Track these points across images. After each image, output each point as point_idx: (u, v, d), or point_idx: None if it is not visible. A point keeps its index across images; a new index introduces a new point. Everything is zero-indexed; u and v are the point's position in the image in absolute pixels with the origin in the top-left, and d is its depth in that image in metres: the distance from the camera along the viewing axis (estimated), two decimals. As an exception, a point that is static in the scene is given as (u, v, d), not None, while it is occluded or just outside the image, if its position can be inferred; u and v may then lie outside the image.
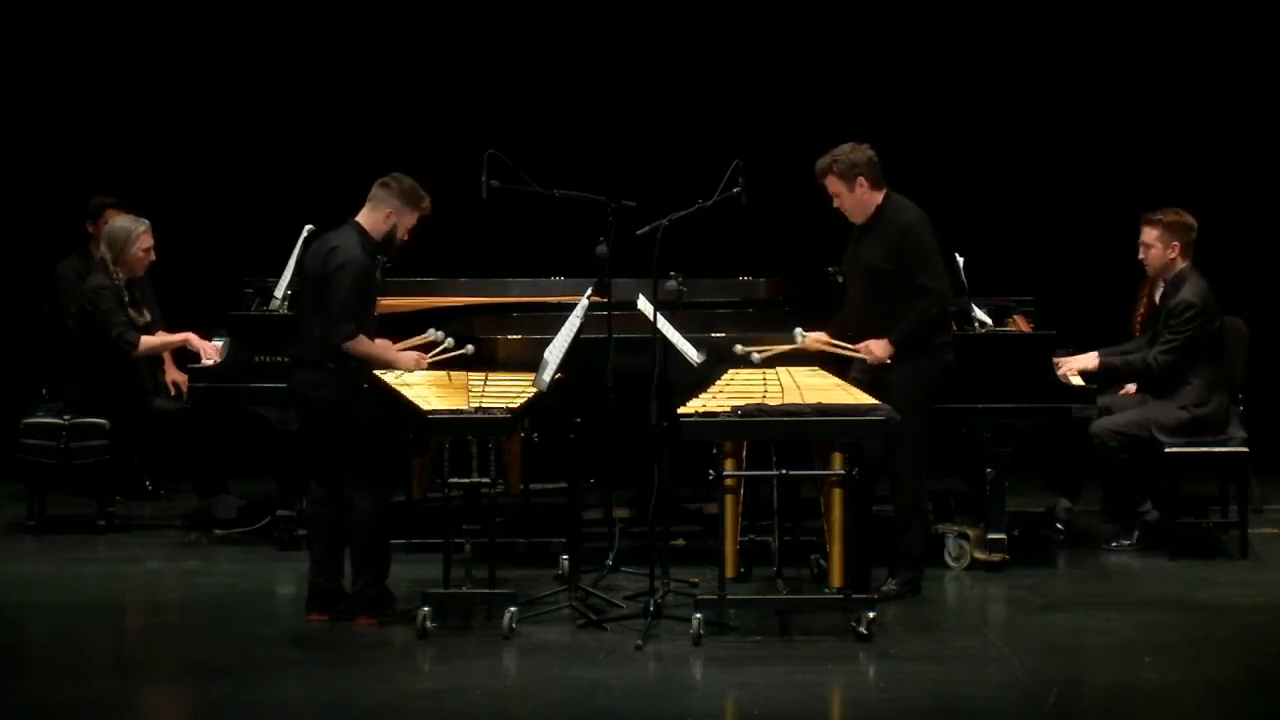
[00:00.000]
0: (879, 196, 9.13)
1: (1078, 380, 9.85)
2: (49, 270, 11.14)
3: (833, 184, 9.13)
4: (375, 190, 8.75)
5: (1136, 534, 10.09)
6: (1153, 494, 10.12)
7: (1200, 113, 12.19)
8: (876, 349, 9.08)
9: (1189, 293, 9.98)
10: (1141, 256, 10.13)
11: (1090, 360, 10.01)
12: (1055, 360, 9.83)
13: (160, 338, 10.55)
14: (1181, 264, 10.08)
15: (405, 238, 8.78)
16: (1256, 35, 12.17)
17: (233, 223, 12.05)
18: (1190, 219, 10.10)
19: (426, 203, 8.79)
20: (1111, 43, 12.23)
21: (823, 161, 9.14)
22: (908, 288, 9.03)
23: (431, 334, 9.06)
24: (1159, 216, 10.08)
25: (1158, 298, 10.34)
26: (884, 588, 9.04)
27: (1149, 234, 10.10)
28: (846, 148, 9.13)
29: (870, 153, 9.13)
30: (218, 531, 10.44)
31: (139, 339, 10.41)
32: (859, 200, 9.12)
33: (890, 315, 9.06)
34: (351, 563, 8.76)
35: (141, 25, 12.23)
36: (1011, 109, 12.20)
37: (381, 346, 8.78)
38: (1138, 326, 10.45)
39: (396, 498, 9.59)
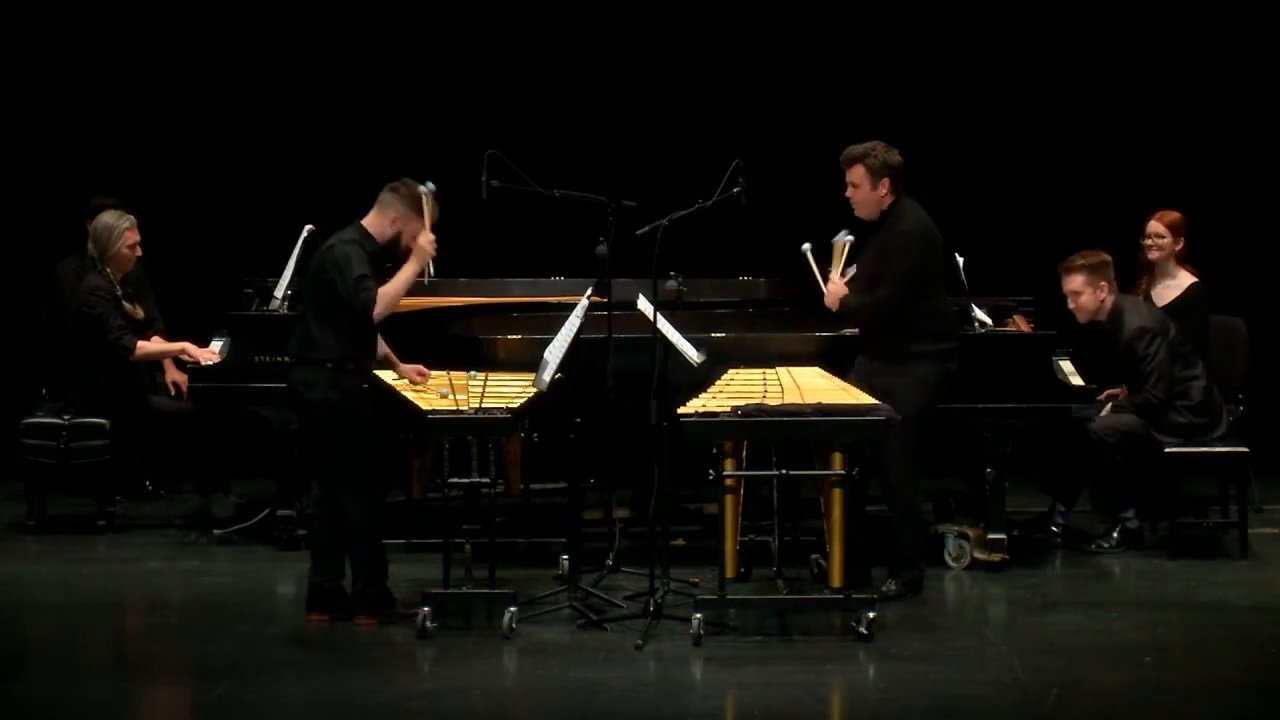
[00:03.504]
0: (890, 199, 9.13)
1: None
2: (49, 270, 11.14)
3: (857, 174, 9.12)
4: (383, 194, 8.73)
5: (1116, 537, 10.09)
6: (1140, 502, 10.12)
7: (1199, 113, 12.19)
8: (834, 292, 9.16)
9: (1135, 319, 9.95)
10: (1072, 306, 10.04)
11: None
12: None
13: (157, 345, 10.53)
14: (1111, 299, 10.04)
15: (411, 244, 8.75)
16: (1255, 35, 12.17)
17: (233, 223, 12.05)
18: (1105, 255, 10.02)
19: (434, 212, 8.74)
20: (1111, 43, 12.22)
21: (857, 150, 9.13)
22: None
23: (470, 374, 9.03)
24: (1079, 262, 9.99)
25: (1154, 296, 10.37)
26: (885, 588, 9.04)
27: (1074, 281, 10.00)
28: (881, 146, 9.13)
29: (900, 159, 9.13)
30: (216, 531, 10.45)
31: (135, 344, 10.41)
32: (874, 198, 9.12)
33: (887, 327, 9.08)
34: (350, 564, 8.76)
35: (141, 25, 12.22)
36: (1011, 109, 12.20)
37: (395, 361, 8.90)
38: None
39: (396, 498, 9.62)
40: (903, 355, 9.06)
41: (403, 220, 8.69)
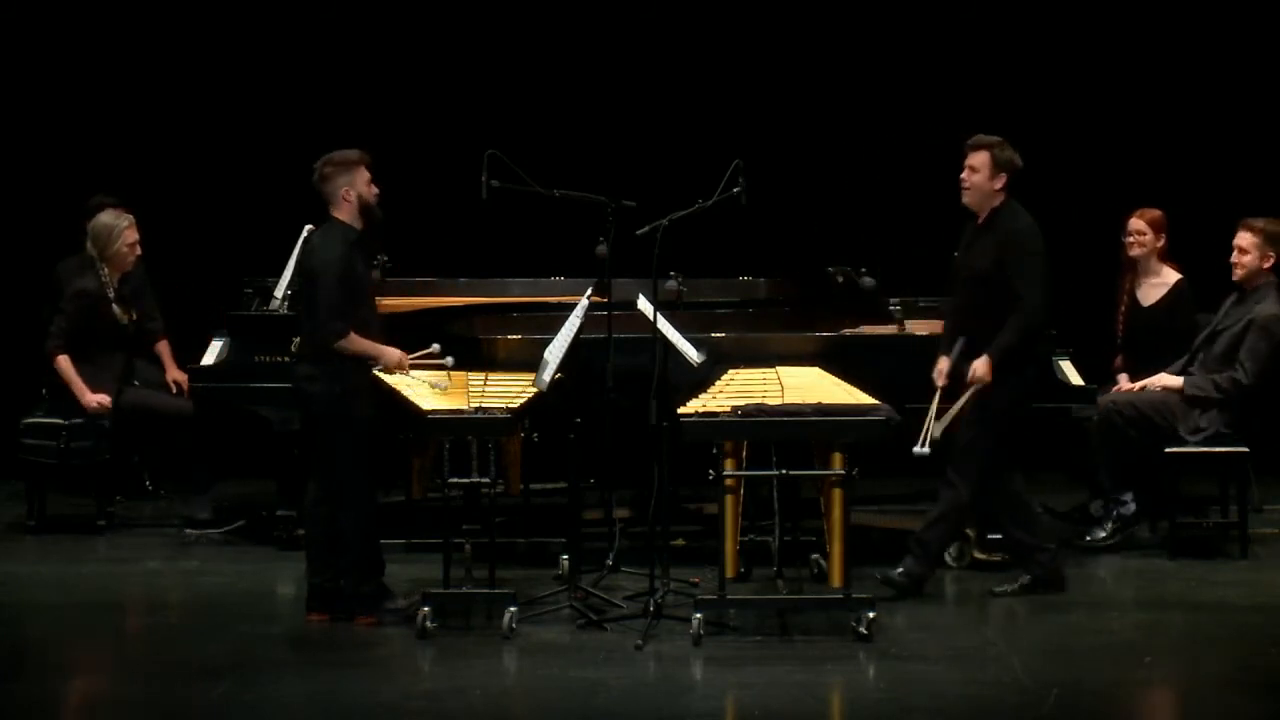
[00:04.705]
0: (1000, 198, 9.09)
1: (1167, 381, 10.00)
2: (49, 270, 11.14)
3: (980, 160, 9.06)
4: (322, 187, 8.72)
5: (1111, 525, 10.08)
6: (1139, 487, 10.11)
7: (1197, 113, 12.18)
8: (980, 370, 8.95)
9: (1275, 306, 9.94)
10: (1234, 260, 10.04)
11: (1174, 381, 10.02)
12: (1137, 380, 10.02)
13: (68, 370, 10.48)
14: (1268, 275, 10.04)
15: (374, 190, 8.73)
16: (1251, 35, 12.16)
17: (233, 223, 12.05)
18: None
19: (359, 153, 8.75)
20: (1107, 44, 12.22)
21: (988, 138, 9.09)
22: (1005, 298, 8.98)
23: (435, 348, 9.02)
24: (1260, 224, 10.02)
25: (1139, 295, 10.39)
26: (893, 572, 9.03)
27: (1246, 239, 10.02)
28: (1009, 144, 9.09)
29: (1021, 164, 9.10)
30: (189, 531, 10.44)
31: (54, 357, 10.47)
32: (988, 189, 9.07)
33: (988, 327, 8.99)
34: (343, 563, 8.73)
35: (141, 25, 12.22)
36: (1009, 110, 12.19)
37: (368, 343, 8.77)
38: (1120, 325, 10.48)
39: (396, 498, 9.61)
40: (1025, 359, 8.97)
41: (349, 186, 8.69)
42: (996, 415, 8.98)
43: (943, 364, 9.06)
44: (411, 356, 8.86)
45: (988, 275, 9.02)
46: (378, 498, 8.89)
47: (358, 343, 8.65)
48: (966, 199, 9.12)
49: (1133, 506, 10.14)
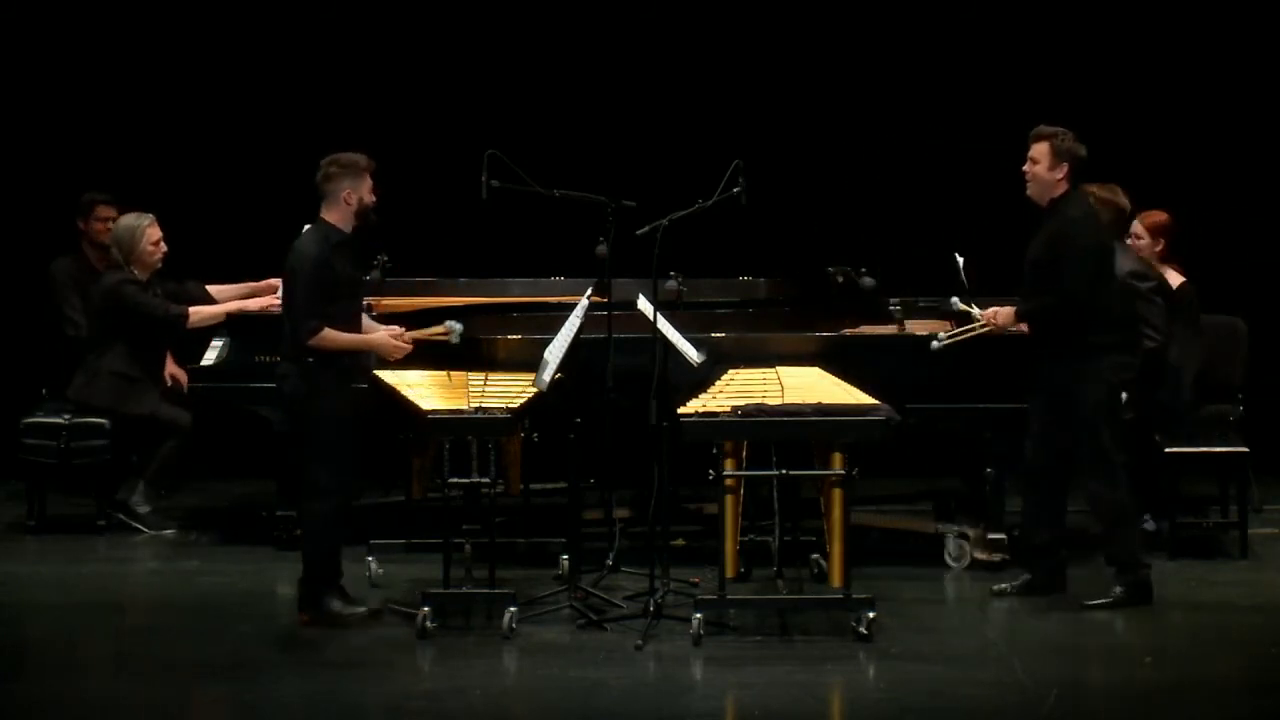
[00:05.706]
0: (1062, 187, 9.09)
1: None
2: (45, 270, 11.14)
3: (1040, 151, 9.08)
4: (324, 186, 8.73)
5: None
6: (1150, 506, 10.09)
7: (1199, 112, 12.18)
8: (1001, 315, 9.20)
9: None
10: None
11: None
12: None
13: (209, 308, 10.48)
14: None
15: (374, 197, 8.75)
16: (1254, 34, 12.16)
17: (233, 223, 12.04)
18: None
19: (367, 160, 8.76)
20: (1107, 43, 12.22)
21: (1047, 129, 9.10)
22: (1056, 285, 8.99)
23: (448, 325, 9.02)
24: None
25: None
26: (1109, 595, 8.94)
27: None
28: (1072, 134, 9.10)
29: (1085, 154, 9.09)
30: (120, 515, 10.55)
31: (187, 311, 10.41)
32: (1049, 179, 9.07)
33: (1067, 320, 9.01)
34: (303, 556, 8.74)
35: (140, 24, 12.22)
36: (1009, 109, 12.19)
37: (349, 335, 8.75)
38: None
39: (396, 498, 9.61)
40: (1081, 349, 8.96)
41: (352, 190, 8.71)
42: (1094, 410, 8.93)
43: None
44: (410, 335, 8.89)
45: (1041, 262, 9.04)
46: (347, 497, 8.80)
47: (336, 338, 8.62)
48: (1029, 190, 9.13)
49: (1153, 525, 10.12)
